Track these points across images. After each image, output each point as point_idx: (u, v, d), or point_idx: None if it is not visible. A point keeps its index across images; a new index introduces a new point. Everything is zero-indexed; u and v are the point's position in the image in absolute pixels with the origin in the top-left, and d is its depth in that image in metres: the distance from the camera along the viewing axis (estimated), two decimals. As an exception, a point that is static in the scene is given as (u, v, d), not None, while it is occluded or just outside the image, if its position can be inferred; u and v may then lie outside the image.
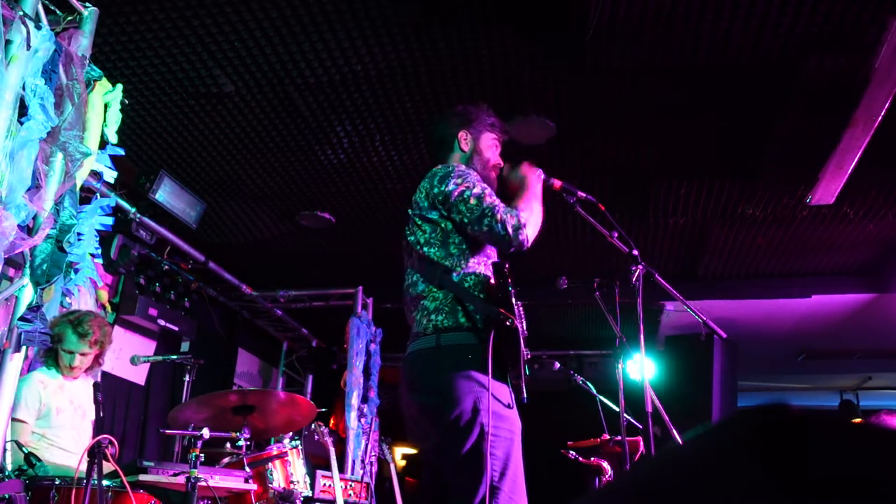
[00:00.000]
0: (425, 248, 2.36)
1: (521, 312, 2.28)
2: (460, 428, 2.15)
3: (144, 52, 3.86)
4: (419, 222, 2.41)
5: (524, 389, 2.25)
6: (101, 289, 4.95)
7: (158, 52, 3.87)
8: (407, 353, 2.39)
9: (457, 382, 2.18)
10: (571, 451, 5.03)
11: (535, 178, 2.48)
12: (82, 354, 3.42)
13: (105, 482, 2.63)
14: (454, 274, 2.30)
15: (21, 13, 2.47)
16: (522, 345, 2.23)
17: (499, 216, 2.25)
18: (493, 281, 2.31)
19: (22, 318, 2.49)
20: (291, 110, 4.40)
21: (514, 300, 2.23)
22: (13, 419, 3.23)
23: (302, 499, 3.70)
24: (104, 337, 3.47)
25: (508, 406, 2.22)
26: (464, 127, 2.58)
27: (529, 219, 2.30)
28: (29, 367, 3.50)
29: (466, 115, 2.60)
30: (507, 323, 2.18)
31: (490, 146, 2.60)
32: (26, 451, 3.07)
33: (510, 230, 2.24)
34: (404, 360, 2.40)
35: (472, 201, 2.29)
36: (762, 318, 7.40)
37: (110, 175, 3.03)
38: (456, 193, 2.32)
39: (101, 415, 2.70)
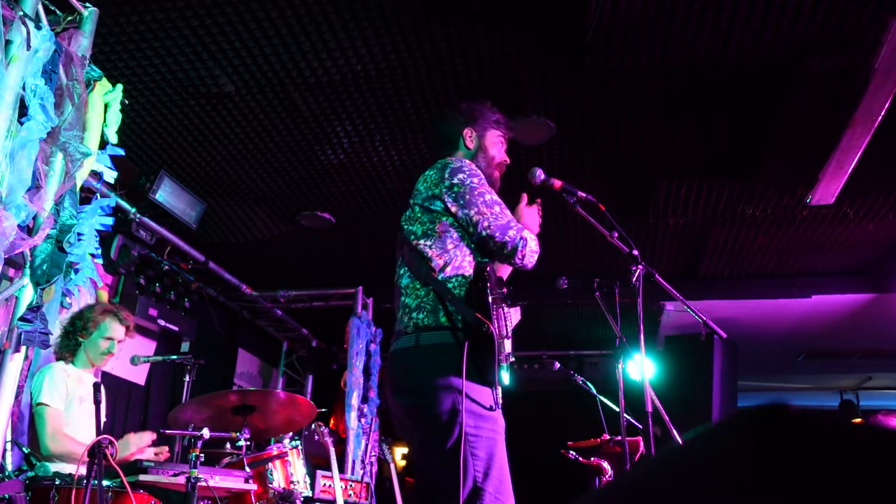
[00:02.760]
0: (421, 241, 2.33)
1: (507, 314, 2.23)
2: (440, 429, 2.13)
3: (144, 52, 3.86)
4: (418, 213, 2.37)
5: (499, 396, 2.19)
6: (101, 289, 4.95)
7: (158, 52, 3.87)
8: (389, 351, 2.37)
9: (436, 383, 2.16)
10: (571, 451, 5.03)
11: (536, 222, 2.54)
12: (119, 341, 3.63)
13: (105, 482, 2.63)
14: (441, 272, 2.27)
15: (21, 13, 2.47)
16: (506, 349, 2.17)
17: (516, 233, 2.28)
18: (473, 284, 2.26)
19: (22, 319, 2.49)
20: (291, 110, 4.40)
21: (491, 304, 2.17)
22: (42, 404, 3.25)
23: (302, 499, 3.70)
24: (132, 325, 3.76)
25: (490, 408, 2.18)
26: (468, 124, 2.56)
27: (535, 245, 2.35)
28: (30, 366, 3.51)
29: (471, 112, 2.58)
30: (484, 329, 2.14)
31: (495, 143, 2.59)
32: (27, 451, 3.07)
33: (526, 251, 2.29)
34: (387, 360, 2.37)
35: (496, 208, 2.30)
36: (762, 318, 7.40)
37: (110, 175, 3.03)
38: (476, 192, 2.31)
39: (106, 419, 2.71)
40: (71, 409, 3.39)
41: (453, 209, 2.31)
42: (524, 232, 2.32)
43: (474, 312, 2.17)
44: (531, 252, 2.32)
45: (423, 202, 2.37)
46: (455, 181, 2.33)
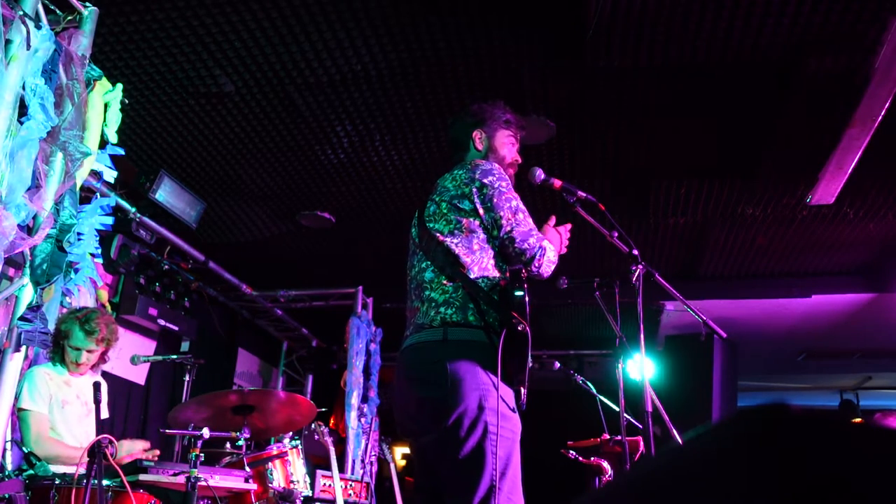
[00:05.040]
0: (447, 238, 2.33)
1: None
2: (464, 425, 2.12)
3: (144, 52, 3.86)
4: (444, 210, 2.37)
5: (524, 397, 2.23)
6: (101, 289, 4.95)
7: (158, 52, 3.87)
8: (407, 343, 2.35)
9: (463, 378, 2.15)
10: (571, 451, 5.03)
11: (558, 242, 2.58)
12: (89, 351, 3.44)
13: (105, 482, 2.63)
14: (470, 271, 2.28)
15: (21, 13, 2.47)
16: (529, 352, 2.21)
17: (535, 241, 2.33)
18: (510, 285, 2.29)
19: (22, 318, 2.49)
20: (291, 110, 4.40)
21: (528, 308, 2.21)
22: (24, 409, 3.23)
23: (302, 499, 3.70)
24: (111, 335, 3.50)
25: (513, 409, 2.20)
26: (478, 126, 2.57)
27: (553, 255, 2.40)
28: (30, 366, 3.50)
29: (480, 113, 2.59)
30: (519, 328, 2.16)
31: (505, 143, 2.60)
32: (26, 451, 3.07)
33: (543, 261, 2.33)
34: (404, 351, 2.35)
35: (520, 215, 2.35)
36: (762, 318, 7.40)
37: (110, 175, 3.03)
38: (504, 197, 2.34)
39: (108, 415, 2.68)
40: (53, 412, 3.34)
41: (480, 210, 2.34)
42: (543, 241, 2.36)
43: (511, 311, 2.19)
44: (548, 262, 2.36)
45: (451, 200, 2.38)
46: (486, 182, 2.35)
